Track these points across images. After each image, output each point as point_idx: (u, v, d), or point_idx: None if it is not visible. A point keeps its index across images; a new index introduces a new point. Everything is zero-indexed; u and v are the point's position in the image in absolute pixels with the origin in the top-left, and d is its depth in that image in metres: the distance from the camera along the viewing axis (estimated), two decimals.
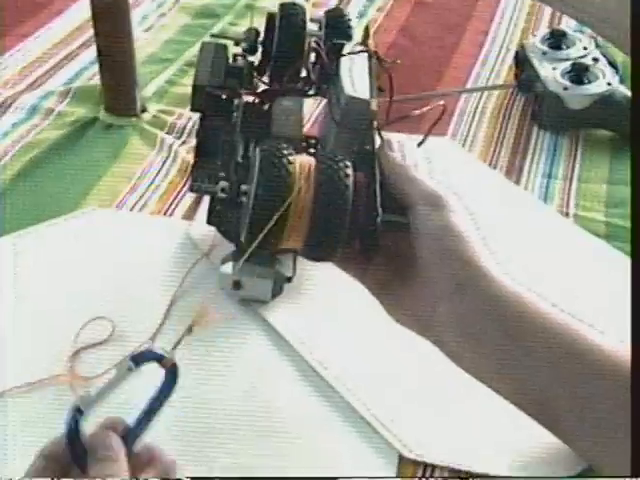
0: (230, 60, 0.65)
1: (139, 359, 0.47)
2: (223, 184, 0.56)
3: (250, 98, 0.64)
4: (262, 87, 0.65)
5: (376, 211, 0.53)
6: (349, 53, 0.62)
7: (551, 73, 0.85)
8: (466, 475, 0.56)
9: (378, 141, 0.59)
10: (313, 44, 0.65)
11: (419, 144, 0.59)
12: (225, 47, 0.65)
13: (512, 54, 0.93)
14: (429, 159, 0.59)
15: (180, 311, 0.65)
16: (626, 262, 0.71)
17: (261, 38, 0.67)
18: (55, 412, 0.57)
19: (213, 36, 0.67)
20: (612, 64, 0.87)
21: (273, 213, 0.51)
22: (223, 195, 0.56)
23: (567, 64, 0.86)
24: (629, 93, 0.84)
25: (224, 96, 0.63)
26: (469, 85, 0.93)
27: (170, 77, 0.93)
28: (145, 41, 0.97)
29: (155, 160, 0.81)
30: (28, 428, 0.57)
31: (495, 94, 0.91)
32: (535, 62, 0.87)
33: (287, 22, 0.66)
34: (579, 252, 0.73)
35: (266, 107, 0.64)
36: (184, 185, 0.78)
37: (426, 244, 0.53)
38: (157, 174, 0.79)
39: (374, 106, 0.58)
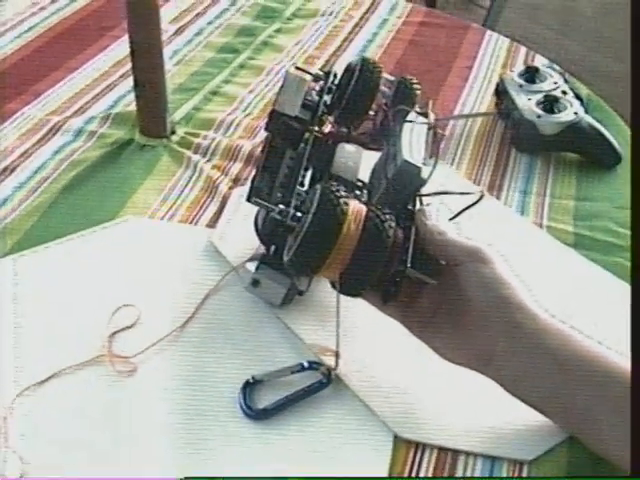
0: (307, 94, 0.64)
1: (310, 364, 0.59)
2: (282, 207, 0.55)
3: (319, 134, 0.63)
4: (329, 126, 0.64)
5: (405, 265, 0.53)
6: (413, 121, 0.61)
7: (526, 103, 0.85)
8: (452, 453, 0.56)
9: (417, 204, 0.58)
10: (383, 105, 0.64)
11: (451, 219, 0.58)
12: (306, 81, 0.64)
13: (493, 86, 0.93)
14: (470, 216, 0.58)
15: (203, 308, 0.65)
16: (589, 266, 0.72)
17: (337, 81, 0.66)
18: (102, 385, 0.59)
19: (297, 68, 0.66)
20: (578, 96, 0.87)
21: (321, 245, 0.51)
22: (278, 217, 0.55)
23: (540, 95, 0.86)
24: (593, 121, 0.84)
25: (296, 126, 0.61)
26: (456, 113, 0.92)
27: (196, 104, 0.92)
28: (175, 73, 0.97)
29: (183, 176, 0.80)
30: (79, 402, 0.58)
31: (478, 121, 0.91)
32: (513, 93, 0.87)
33: (364, 77, 0.64)
34: (551, 258, 0.73)
35: (330, 145, 0.63)
36: (208, 197, 0.77)
37: (481, 293, 0.54)
38: (184, 188, 0.79)
39: (425, 174, 0.57)
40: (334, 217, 0.51)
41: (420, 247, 0.55)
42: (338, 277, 0.52)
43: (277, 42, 1.05)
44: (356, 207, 0.52)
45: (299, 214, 0.54)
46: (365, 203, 0.54)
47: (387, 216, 0.52)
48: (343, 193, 0.52)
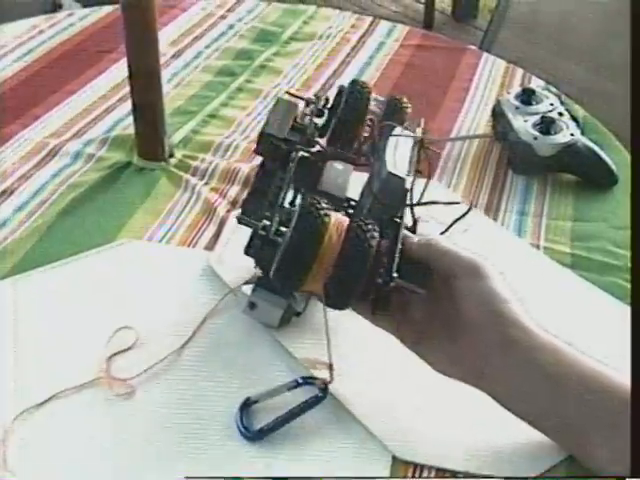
0: (298, 117, 0.65)
1: (304, 380, 0.58)
2: (265, 223, 0.56)
3: (306, 154, 0.64)
4: (318, 147, 0.65)
5: (391, 275, 0.53)
6: (399, 135, 0.62)
7: (523, 125, 0.86)
8: (450, 474, 0.56)
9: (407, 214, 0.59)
10: (368, 122, 0.65)
11: (442, 233, 0.59)
12: (296, 105, 0.65)
13: (489, 108, 0.94)
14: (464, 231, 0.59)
15: (201, 331, 0.65)
16: (586, 287, 0.72)
17: (329, 105, 0.67)
18: (100, 408, 0.59)
19: (288, 93, 0.67)
20: (574, 118, 0.88)
21: (302, 256, 0.51)
22: (263, 232, 0.56)
23: (536, 117, 0.87)
24: (589, 143, 0.85)
25: (284, 147, 0.62)
26: (453, 134, 0.93)
27: (194, 127, 0.93)
28: (173, 95, 0.98)
29: (181, 199, 0.81)
30: (77, 424, 0.58)
31: (475, 143, 0.91)
32: (509, 115, 0.88)
33: (353, 98, 0.66)
34: (548, 279, 0.74)
35: (320, 165, 0.64)
36: (206, 220, 0.78)
37: (476, 307, 0.54)
38: (182, 211, 0.79)
39: (408, 184, 0.58)
40: (314, 228, 0.52)
41: (408, 257, 0.56)
42: (322, 289, 0.53)
43: (275, 65, 1.07)
44: (338, 219, 0.53)
45: (283, 229, 0.55)
46: (348, 215, 0.55)
47: (370, 226, 0.53)
48: (325, 205, 0.53)
